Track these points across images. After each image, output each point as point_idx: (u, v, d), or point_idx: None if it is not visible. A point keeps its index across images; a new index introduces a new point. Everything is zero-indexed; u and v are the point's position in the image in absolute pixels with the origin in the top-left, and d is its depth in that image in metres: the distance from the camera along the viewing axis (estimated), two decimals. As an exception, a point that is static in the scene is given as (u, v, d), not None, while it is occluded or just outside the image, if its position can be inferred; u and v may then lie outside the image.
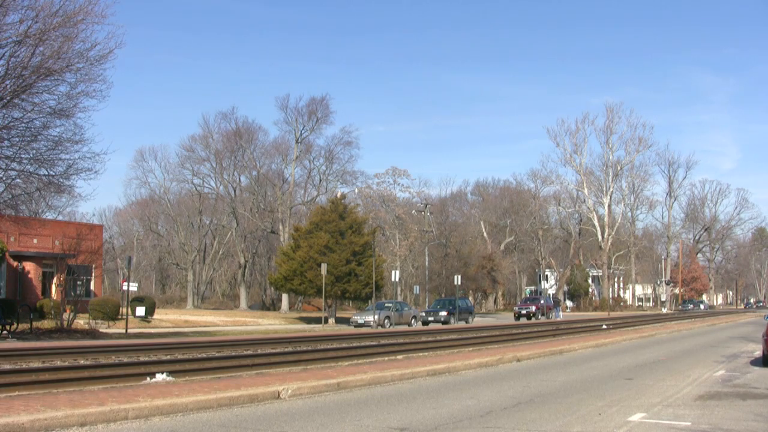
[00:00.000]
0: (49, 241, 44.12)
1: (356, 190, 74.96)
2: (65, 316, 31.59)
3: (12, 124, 26.57)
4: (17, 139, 26.99)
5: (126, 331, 32.91)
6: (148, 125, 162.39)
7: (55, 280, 43.37)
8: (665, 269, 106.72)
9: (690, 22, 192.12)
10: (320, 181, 78.32)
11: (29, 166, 27.37)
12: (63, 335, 29.38)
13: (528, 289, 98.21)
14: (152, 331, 37.35)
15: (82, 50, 26.28)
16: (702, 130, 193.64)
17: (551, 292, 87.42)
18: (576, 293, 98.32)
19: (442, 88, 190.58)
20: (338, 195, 57.48)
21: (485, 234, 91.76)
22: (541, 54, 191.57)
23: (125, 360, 18.61)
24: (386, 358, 20.06)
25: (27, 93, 25.96)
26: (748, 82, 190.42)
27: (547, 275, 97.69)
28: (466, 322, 52.67)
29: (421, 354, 21.56)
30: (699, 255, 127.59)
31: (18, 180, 27.89)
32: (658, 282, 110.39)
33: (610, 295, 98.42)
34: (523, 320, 56.91)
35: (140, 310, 43.90)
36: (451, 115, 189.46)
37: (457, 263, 76.22)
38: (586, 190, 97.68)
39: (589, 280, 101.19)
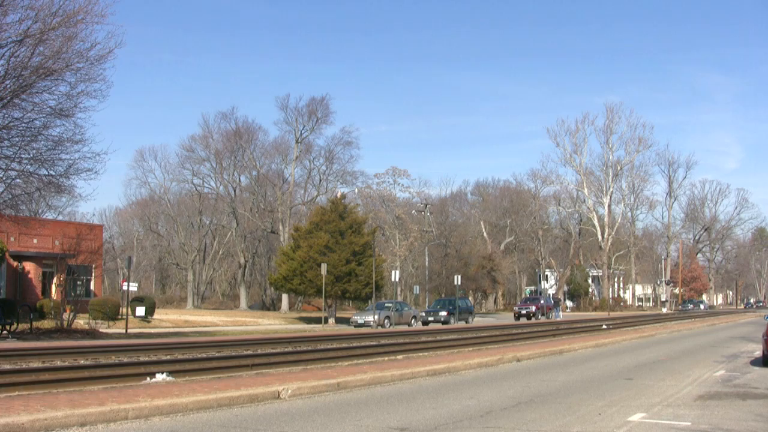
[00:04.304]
0: (49, 241, 44.12)
1: (356, 190, 74.97)
2: (65, 316, 31.59)
3: (12, 124, 26.55)
4: (17, 139, 26.97)
5: (126, 331, 32.92)
6: (148, 125, 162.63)
7: (55, 280, 43.36)
8: (665, 269, 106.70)
9: (694, 21, 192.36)
10: (320, 181, 78.39)
11: (29, 166, 27.35)
12: (63, 335, 29.38)
13: (528, 289, 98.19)
14: (152, 331, 37.35)
15: (82, 50, 26.29)
16: (705, 129, 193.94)
17: (551, 292, 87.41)
18: (576, 293, 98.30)
19: (443, 88, 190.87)
20: (338, 195, 57.47)
21: (485, 234, 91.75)
22: (543, 53, 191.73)
23: (125, 360, 18.61)
24: (386, 358, 20.06)
25: (27, 93, 25.93)
26: (753, 82, 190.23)
27: (547, 275, 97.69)
28: (466, 322, 52.66)
29: (421, 354, 21.56)
30: (699, 255, 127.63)
31: (18, 180, 27.87)
32: (658, 282, 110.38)
33: (610, 295, 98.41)
34: (523, 320, 56.89)
35: (140, 310, 43.89)
36: (452, 114, 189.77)
37: (457, 263, 76.19)
38: (586, 190, 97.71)
39: (589, 280, 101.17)
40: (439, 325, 47.97)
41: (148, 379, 14.02)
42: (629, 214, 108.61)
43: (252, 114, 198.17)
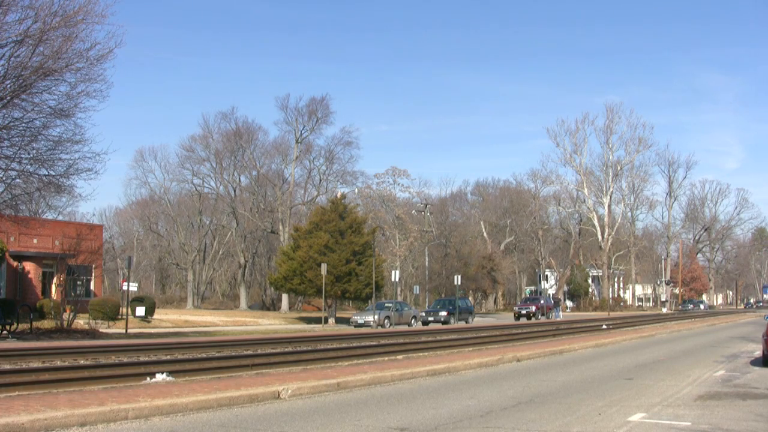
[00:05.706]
0: (49, 241, 44.11)
1: (356, 190, 74.93)
2: (65, 316, 31.60)
3: (12, 124, 26.55)
4: (17, 139, 26.96)
5: (126, 331, 32.92)
6: (148, 125, 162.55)
7: (55, 280, 43.36)
8: (665, 269, 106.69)
9: (694, 21, 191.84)
10: (320, 181, 78.39)
11: (29, 166, 27.35)
12: (63, 335, 29.39)
13: (528, 289, 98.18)
14: (152, 331, 37.35)
15: (82, 50, 26.26)
16: (707, 129, 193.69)
17: (551, 292, 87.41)
18: (576, 293, 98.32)
19: (443, 88, 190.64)
20: (338, 195, 57.48)
21: (485, 234, 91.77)
22: (543, 53, 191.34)
23: (125, 360, 18.62)
24: (386, 358, 20.07)
25: (27, 93, 25.92)
26: (754, 81, 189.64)
27: (547, 275, 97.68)
28: (466, 322, 52.67)
29: (421, 354, 21.57)
30: (699, 255, 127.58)
31: (18, 180, 27.87)
32: (658, 282, 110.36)
33: (610, 295, 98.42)
34: (523, 320, 56.91)
35: (140, 310, 43.89)
36: (452, 114, 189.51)
37: (457, 263, 76.20)
38: (586, 190, 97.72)
39: (589, 280, 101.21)
40: (439, 325, 47.97)
41: (148, 379, 14.01)
42: (629, 214, 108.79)
43: (252, 114, 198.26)
